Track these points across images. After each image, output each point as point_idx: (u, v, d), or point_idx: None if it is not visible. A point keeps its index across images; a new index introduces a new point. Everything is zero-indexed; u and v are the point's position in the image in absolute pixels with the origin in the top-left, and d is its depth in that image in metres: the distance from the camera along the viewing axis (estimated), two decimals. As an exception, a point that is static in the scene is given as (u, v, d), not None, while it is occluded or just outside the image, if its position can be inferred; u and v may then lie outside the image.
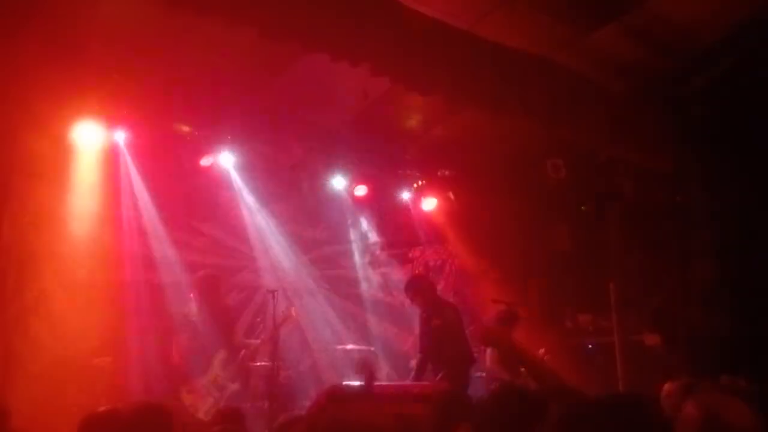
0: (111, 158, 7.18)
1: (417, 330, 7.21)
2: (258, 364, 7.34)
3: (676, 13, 6.93)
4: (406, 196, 9.41)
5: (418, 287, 6.92)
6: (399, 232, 9.68)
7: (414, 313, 7.45)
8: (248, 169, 8.15)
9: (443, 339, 6.58)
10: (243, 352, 6.84)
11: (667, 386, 4.59)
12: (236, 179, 8.17)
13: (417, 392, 5.50)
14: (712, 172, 8.11)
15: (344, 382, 6.69)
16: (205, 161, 7.76)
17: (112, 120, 7.00)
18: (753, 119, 7.63)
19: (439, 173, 9.39)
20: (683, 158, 8.19)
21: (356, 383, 5.71)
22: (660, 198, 8.51)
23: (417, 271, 9.62)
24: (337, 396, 5.12)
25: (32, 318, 6.42)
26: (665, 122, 7.97)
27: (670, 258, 8.35)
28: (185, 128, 7.59)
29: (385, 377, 8.35)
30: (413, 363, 7.37)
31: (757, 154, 7.63)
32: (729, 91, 7.72)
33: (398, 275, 9.72)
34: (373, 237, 9.68)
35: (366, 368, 5.85)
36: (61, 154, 6.76)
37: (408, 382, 6.95)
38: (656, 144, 8.03)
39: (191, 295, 6.97)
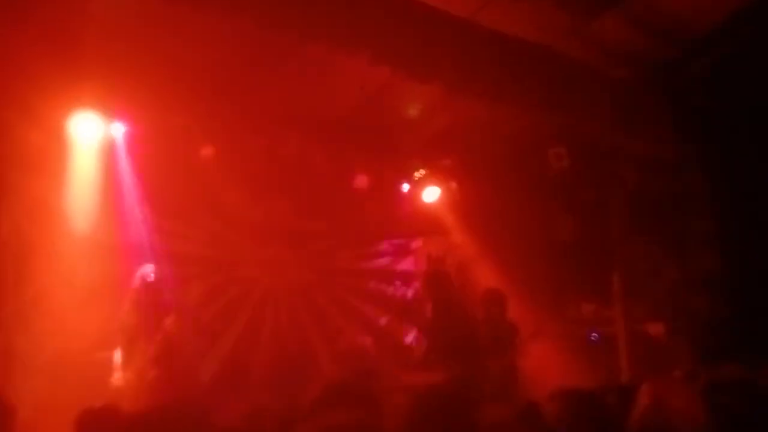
0: (109, 151, 7.14)
1: (421, 322, 7.22)
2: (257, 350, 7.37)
3: (676, 1, 6.88)
4: (407, 186, 9.35)
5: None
6: (400, 223, 9.63)
7: (415, 304, 7.44)
8: (247, 162, 8.10)
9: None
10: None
11: (674, 375, 4.60)
12: (235, 172, 8.12)
13: (422, 385, 5.49)
14: (714, 159, 8.07)
15: (344, 376, 6.68)
16: (203, 154, 7.72)
17: (109, 112, 6.95)
18: (753, 106, 7.59)
19: (440, 163, 9.32)
20: (684, 146, 8.15)
21: (356, 377, 5.68)
22: (662, 186, 8.47)
23: (418, 263, 9.59)
24: (337, 390, 5.08)
25: (32, 313, 6.40)
26: (666, 110, 7.93)
27: (672, 247, 8.32)
28: (184, 120, 7.55)
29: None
30: (416, 355, 7.37)
31: (757, 141, 7.59)
32: (729, 78, 7.67)
33: (400, 267, 9.70)
34: (374, 228, 9.62)
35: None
36: (58, 147, 6.72)
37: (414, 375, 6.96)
38: (658, 132, 7.99)
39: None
